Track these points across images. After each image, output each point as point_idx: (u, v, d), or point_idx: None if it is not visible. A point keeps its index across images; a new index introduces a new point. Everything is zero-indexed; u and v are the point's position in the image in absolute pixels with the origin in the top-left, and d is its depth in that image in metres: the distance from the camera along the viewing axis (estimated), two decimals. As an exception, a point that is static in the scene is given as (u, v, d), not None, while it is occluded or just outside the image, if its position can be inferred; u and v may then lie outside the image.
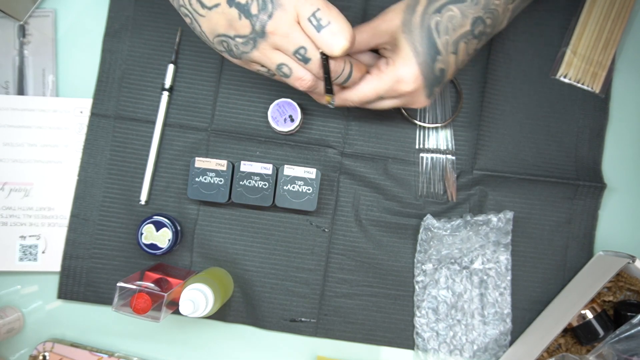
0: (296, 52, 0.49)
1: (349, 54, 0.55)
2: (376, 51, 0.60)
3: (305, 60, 0.50)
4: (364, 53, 0.59)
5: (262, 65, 0.52)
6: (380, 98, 0.57)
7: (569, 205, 0.70)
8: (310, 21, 0.47)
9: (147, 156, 0.69)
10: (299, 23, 0.48)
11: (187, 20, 0.52)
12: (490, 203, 0.70)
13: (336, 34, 0.48)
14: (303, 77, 0.52)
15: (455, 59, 0.55)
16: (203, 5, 0.49)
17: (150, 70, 0.70)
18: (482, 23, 0.54)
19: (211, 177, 0.66)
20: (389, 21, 0.55)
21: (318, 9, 0.47)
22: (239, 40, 0.49)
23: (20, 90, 0.70)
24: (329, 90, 0.54)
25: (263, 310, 0.69)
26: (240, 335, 0.70)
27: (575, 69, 0.71)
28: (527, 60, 0.71)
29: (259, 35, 0.48)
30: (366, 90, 0.56)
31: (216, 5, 0.48)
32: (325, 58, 0.50)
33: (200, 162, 0.66)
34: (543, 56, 0.71)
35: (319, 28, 0.47)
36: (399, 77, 0.54)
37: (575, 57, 0.71)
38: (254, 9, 0.47)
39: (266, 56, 0.50)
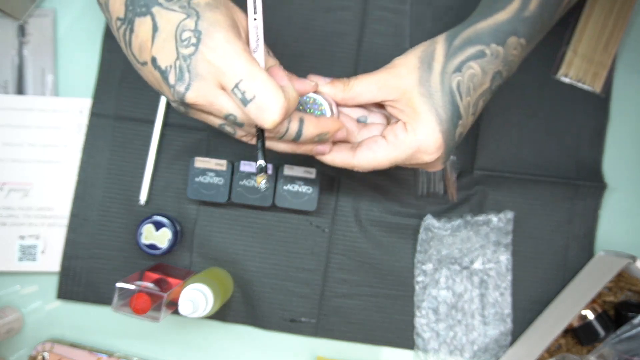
0: (227, 117, 0.44)
1: (342, 105, 0.52)
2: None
3: (239, 125, 0.45)
4: (370, 110, 0.55)
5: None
6: (394, 165, 0.51)
7: (570, 205, 0.70)
8: (235, 93, 0.42)
9: (147, 156, 0.69)
10: (224, 89, 0.43)
11: None
12: (491, 203, 0.70)
13: (264, 109, 0.42)
14: (246, 135, 0.48)
15: (474, 118, 0.51)
16: (136, 60, 0.45)
17: (150, 70, 0.70)
18: (500, 77, 0.51)
19: (211, 177, 0.66)
20: (401, 78, 0.49)
21: (240, 80, 0.41)
22: (171, 101, 0.45)
23: (20, 90, 0.70)
24: (262, 169, 0.45)
25: (263, 310, 0.69)
26: (240, 335, 0.70)
27: (576, 68, 0.71)
28: (527, 60, 0.71)
29: (182, 105, 0.44)
30: (381, 158, 0.50)
31: (145, 64, 0.44)
32: (260, 131, 0.45)
33: (200, 162, 0.66)
34: (544, 56, 0.71)
35: (244, 102, 0.42)
36: (420, 147, 0.49)
37: (576, 56, 0.71)
38: (171, 79, 0.42)
39: (202, 119, 0.46)
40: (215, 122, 0.46)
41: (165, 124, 0.69)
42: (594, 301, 0.67)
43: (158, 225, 0.66)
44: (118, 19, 0.45)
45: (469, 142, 0.70)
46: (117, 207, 0.69)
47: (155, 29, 0.42)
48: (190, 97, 0.42)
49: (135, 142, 0.70)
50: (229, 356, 0.70)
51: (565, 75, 0.71)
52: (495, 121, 0.70)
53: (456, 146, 0.52)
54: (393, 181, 0.70)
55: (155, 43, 0.42)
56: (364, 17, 0.70)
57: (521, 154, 0.70)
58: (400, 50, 0.70)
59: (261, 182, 0.46)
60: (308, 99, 0.52)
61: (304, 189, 0.66)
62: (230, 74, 0.41)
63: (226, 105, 0.43)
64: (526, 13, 0.50)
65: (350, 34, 0.70)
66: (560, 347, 0.69)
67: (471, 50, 0.49)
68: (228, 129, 0.47)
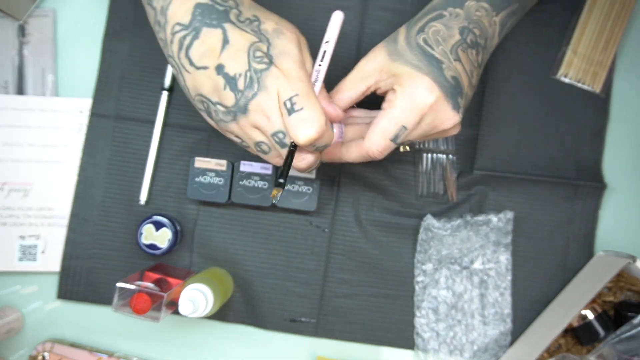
0: (274, 134, 0.47)
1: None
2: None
3: (282, 145, 0.48)
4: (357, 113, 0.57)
5: (237, 137, 0.50)
6: (404, 129, 0.50)
7: (569, 205, 0.70)
8: (285, 104, 0.46)
9: (147, 156, 0.69)
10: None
11: (174, 70, 0.50)
12: (491, 203, 0.70)
13: (305, 121, 0.45)
14: (277, 157, 0.50)
15: (462, 67, 0.51)
16: (191, 63, 0.47)
17: (150, 70, 0.70)
18: (471, 32, 0.51)
19: (211, 177, 0.66)
20: (373, 59, 0.52)
21: (297, 94, 0.45)
22: (220, 108, 0.48)
23: (20, 90, 0.70)
24: (280, 184, 0.49)
25: (263, 310, 0.69)
26: (240, 335, 0.70)
27: (575, 68, 0.71)
28: (527, 60, 0.71)
29: (240, 110, 0.47)
30: (385, 125, 0.50)
31: (204, 68, 0.47)
32: (293, 148, 0.48)
33: (200, 162, 0.66)
34: (543, 56, 0.71)
35: (290, 111, 0.45)
36: (414, 93, 0.49)
37: (576, 56, 0.71)
38: (240, 84, 0.46)
39: (244, 132, 0.49)
40: (254, 138, 0.49)
41: (165, 124, 0.70)
42: (593, 301, 0.67)
43: (158, 225, 0.66)
44: (178, 24, 0.47)
45: (469, 142, 0.70)
46: (117, 207, 0.69)
47: (225, 41, 0.46)
48: (254, 105, 0.46)
49: (136, 142, 0.70)
50: (229, 356, 0.70)
51: (565, 76, 0.71)
52: (495, 121, 0.70)
53: (460, 91, 0.50)
54: (393, 181, 0.70)
55: (225, 52, 0.46)
56: (364, 17, 0.70)
57: (521, 154, 0.70)
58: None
59: (276, 194, 0.49)
60: None
61: (304, 189, 0.66)
62: (289, 90, 0.45)
63: (280, 121, 0.47)
64: None
65: (350, 34, 0.70)
66: (560, 347, 0.69)
67: (429, 16, 0.52)
68: (264, 147, 0.50)
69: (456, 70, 0.50)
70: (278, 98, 0.46)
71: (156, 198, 0.70)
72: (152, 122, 0.69)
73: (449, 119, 0.51)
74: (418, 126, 0.50)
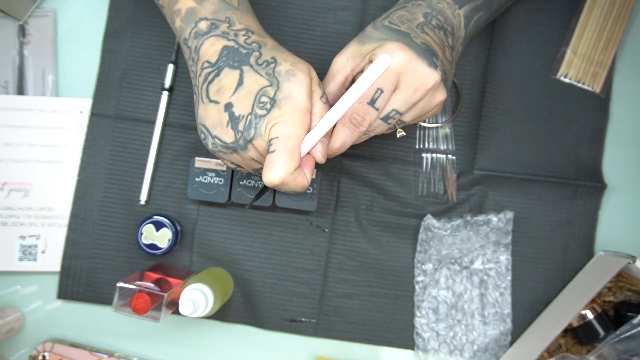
0: (248, 163, 0.52)
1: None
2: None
3: (255, 171, 0.53)
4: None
5: (233, 163, 0.53)
6: (379, 91, 0.49)
7: (569, 205, 0.70)
8: (269, 145, 0.49)
9: (147, 156, 0.69)
10: None
11: (195, 98, 0.53)
12: (491, 203, 0.70)
13: (272, 165, 0.48)
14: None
15: (431, 38, 0.51)
16: (207, 95, 0.51)
17: (150, 70, 0.70)
18: (434, 17, 0.54)
19: (211, 177, 0.66)
20: (344, 51, 0.54)
21: (276, 137, 0.48)
22: (219, 142, 0.51)
23: (20, 90, 0.70)
24: (245, 205, 0.54)
25: (263, 310, 0.69)
26: (240, 335, 0.70)
27: (575, 68, 0.71)
28: (527, 60, 0.71)
29: (241, 147, 0.50)
30: (359, 86, 0.49)
31: (216, 102, 0.50)
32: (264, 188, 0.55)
33: (200, 162, 0.66)
34: (543, 56, 0.71)
35: (269, 151, 0.48)
36: (383, 56, 0.49)
37: (576, 56, 0.71)
38: (241, 126, 0.49)
39: (245, 161, 0.52)
40: (253, 166, 0.53)
41: (165, 124, 0.70)
42: (593, 301, 0.67)
43: (158, 225, 0.66)
44: (207, 61, 0.51)
45: (469, 142, 0.70)
46: (118, 207, 0.69)
47: (240, 82, 0.50)
48: (253, 145, 0.49)
49: (136, 142, 0.70)
50: (229, 356, 0.70)
51: (565, 76, 0.71)
52: (495, 121, 0.70)
53: (432, 54, 0.50)
54: (393, 181, 0.70)
55: (237, 93, 0.49)
56: (364, 17, 0.70)
57: (521, 154, 0.70)
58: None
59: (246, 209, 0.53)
60: None
61: (304, 189, 0.66)
62: (274, 132, 0.48)
63: (256, 160, 0.51)
64: None
65: (350, 34, 0.70)
66: (560, 347, 0.69)
67: (394, 9, 0.55)
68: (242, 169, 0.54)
69: (425, 40, 0.51)
70: (266, 142, 0.49)
71: (156, 198, 0.70)
72: (152, 122, 0.69)
73: (427, 75, 0.50)
74: (399, 92, 0.50)
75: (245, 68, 0.50)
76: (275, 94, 0.49)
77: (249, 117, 0.49)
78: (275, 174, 0.48)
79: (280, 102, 0.48)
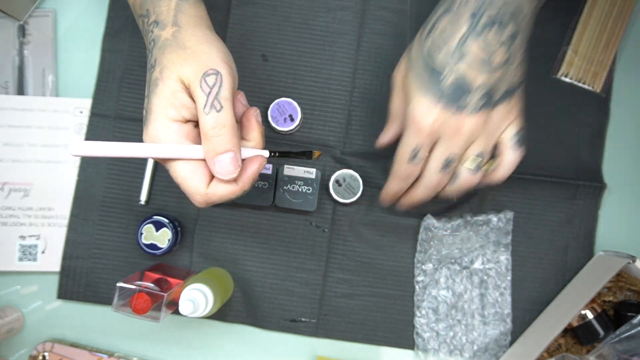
0: None
1: None
2: None
3: None
4: None
5: None
6: (416, 150, 0.53)
7: (569, 205, 0.70)
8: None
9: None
10: None
11: None
12: (491, 203, 0.70)
13: (184, 189, 0.48)
14: None
15: (470, 61, 0.50)
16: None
17: (150, 70, 0.70)
18: (483, 15, 0.49)
19: (211, 177, 0.66)
20: (395, 81, 0.56)
21: (168, 169, 0.48)
22: None
23: (20, 90, 0.70)
24: (307, 154, 0.53)
25: (263, 310, 0.69)
26: (240, 335, 0.70)
27: (576, 68, 0.71)
28: (527, 59, 0.71)
29: None
30: (401, 150, 0.54)
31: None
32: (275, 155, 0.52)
33: (200, 162, 0.66)
34: (544, 55, 0.71)
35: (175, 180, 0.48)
36: (411, 113, 0.52)
37: (576, 56, 0.71)
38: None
39: None
40: None
41: (165, 124, 0.69)
42: (593, 301, 0.67)
43: (158, 225, 0.66)
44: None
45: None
46: (117, 207, 0.69)
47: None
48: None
49: (136, 142, 0.69)
50: (229, 356, 0.70)
51: (566, 75, 0.71)
52: (495, 121, 0.70)
53: (465, 91, 0.50)
54: (393, 181, 0.70)
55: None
56: (364, 16, 0.70)
57: (521, 153, 0.70)
58: (400, 50, 0.71)
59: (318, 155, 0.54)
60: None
61: (304, 189, 0.66)
62: (160, 160, 0.47)
63: None
64: None
65: (350, 33, 0.70)
66: (560, 346, 0.69)
67: (439, 12, 0.51)
68: None
69: (459, 72, 0.50)
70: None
71: (156, 198, 0.70)
72: (152, 122, 0.69)
73: (456, 121, 0.51)
74: (441, 143, 0.52)
75: (148, 71, 0.49)
76: (145, 108, 0.48)
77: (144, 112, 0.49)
78: (193, 201, 0.47)
79: (146, 120, 0.47)
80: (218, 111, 0.44)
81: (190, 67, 0.45)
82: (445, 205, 0.70)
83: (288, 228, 0.70)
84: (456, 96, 0.50)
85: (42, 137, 0.69)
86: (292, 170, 0.66)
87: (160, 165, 0.69)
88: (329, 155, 0.70)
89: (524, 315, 0.70)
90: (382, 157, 0.70)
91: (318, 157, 0.52)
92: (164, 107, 0.46)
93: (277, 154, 0.51)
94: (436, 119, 0.51)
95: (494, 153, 0.56)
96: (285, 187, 0.66)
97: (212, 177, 0.47)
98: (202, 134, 0.45)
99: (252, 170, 0.48)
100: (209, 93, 0.44)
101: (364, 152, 0.70)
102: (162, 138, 0.46)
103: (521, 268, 0.70)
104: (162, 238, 0.66)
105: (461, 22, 0.50)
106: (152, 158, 0.46)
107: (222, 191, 0.47)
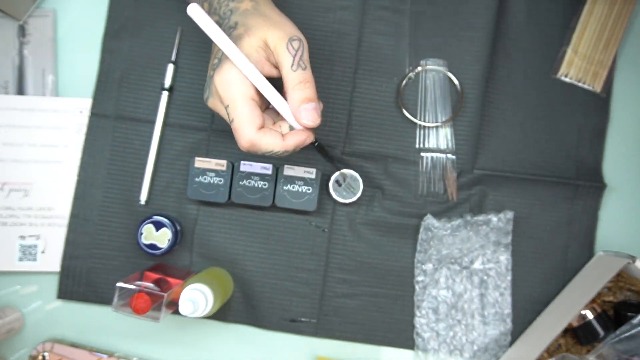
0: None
1: None
2: None
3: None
4: None
5: None
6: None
7: (570, 206, 0.70)
8: (227, 112, 0.50)
9: (147, 156, 0.69)
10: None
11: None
12: (491, 203, 0.70)
13: (236, 132, 0.50)
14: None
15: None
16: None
17: (150, 70, 0.70)
18: None
19: (211, 177, 0.66)
20: None
21: (227, 106, 0.50)
22: None
23: (20, 90, 0.70)
24: (338, 168, 0.59)
25: (263, 310, 0.69)
26: (240, 335, 0.70)
27: (576, 68, 0.71)
28: (528, 60, 0.71)
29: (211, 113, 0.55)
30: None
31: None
32: (315, 145, 0.56)
33: (200, 162, 0.66)
34: (544, 55, 0.71)
35: (230, 122, 0.50)
36: None
37: (576, 56, 0.71)
38: (205, 93, 0.53)
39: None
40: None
41: (165, 124, 0.70)
42: (593, 301, 0.67)
43: (158, 225, 0.66)
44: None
45: (469, 142, 0.70)
46: (117, 207, 0.69)
47: (212, 51, 0.54)
48: (212, 107, 0.52)
49: (136, 142, 0.70)
50: (229, 356, 0.70)
51: (566, 75, 0.71)
52: (495, 121, 0.70)
53: None
54: (393, 181, 0.70)
55: (210, 62, 0.53)
56: (364, 16, 0.70)
57: (521, 153, 0.70)
58: (400, 49, 0.71)
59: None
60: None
61: (304, 189, 0.66)
62: (223, 97, 0.50)
63: (224, 113, 0.51)
64: None
65: (350, 33, 0.70)
66: (560, 347, 0.69)
67: None
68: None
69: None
70: (219, 100, 0.51)
71: (156, 198, 0.70)
72: (152, 122, 0.69)
73: None
74: None
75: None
76: (222, 55, 0.50)
77: (207, 80, 0.52)
78: (240, 141, 0.50)
79: (220, 65, 0.50)
80: (303, 69, 0.50)
81: (276, 32, 0.50)
82: (445, 205, 0.70)
83: (288, 228, 0.70)
84: None
85: (42, 137, 0.69)
86: (292, 170, 0.66)
87: (160, 165, 0.69)
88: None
89: (524, 315, 0.70)
90: (382, 158, 0.70)
91: (337, 170, 0.59)
92: (247, 54, 0.50)
93: (316, 143, 0.56)
94: None
95: None
96: (285, 187, 0.66)
97: (262, 126, 0.50)
98: (288, 88, 0.50)
99: (298, 137, 0.52)
100: (295, 55, 0.49)
101: (364, 152, 0.70)
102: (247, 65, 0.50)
103: (521, 268, 0.70)
104: (162, 238, 0.66)
105: None
106: (238, 66, 0.49)
107: (268, 141, 0.50)
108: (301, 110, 0.50)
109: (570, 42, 0.71)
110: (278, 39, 0.50)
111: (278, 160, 0.69)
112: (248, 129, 0.49)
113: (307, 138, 0.52)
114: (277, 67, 0.51)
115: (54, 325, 0.69)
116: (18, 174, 0.68)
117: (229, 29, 0.52)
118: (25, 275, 0.70)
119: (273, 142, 0.50)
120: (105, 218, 0.69)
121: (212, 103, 0.52)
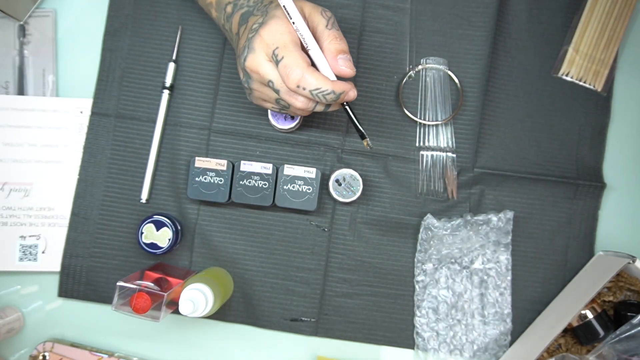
0: (267, 83, 0.55)
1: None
2: None
3: (276, 91, 0.55)
4: None
5: (264, 100, 0.59)
6: None
7: (570, 205, 0.70)
8: (272, 59, 0.54)
9: (148, 155, 0.69)
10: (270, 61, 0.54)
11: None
12: (491, 202, 0.70)
13: (287, 67, 0.53)
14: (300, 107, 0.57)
15: None
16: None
17: (151, 69, 0.70)
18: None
19: (211, 177, 0.66)
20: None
21: (277, 47, 0.53)
22: (244, 84, 0.59)
23: (21, 90, 0.70)
24: (362, 136, 0.59)
25: (263, 310, 0.69)
26: (240, 335, 0.70)
27: (577, 67, 0.71)
28: (529, 58, 0.71)
29: (247, 77, 0.57)
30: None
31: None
32: (345, 106, 0.58)
33: (200, 162, 0.66)
34: (545, 54, 0.71)
35: (277, 63, 0.53)
36: None
37: (578, 55, 0.70)
38: (241, 58, 0.56)
39: (260, 95, 0.58)
40: (270, 96, 0.57)
41: (166, 123, 0.70)
42: (593, 301, 0.67)
43: (159, 225, 0.66)
44: (236, 34, 0.59)
45: (469, 140, 0.70)
46: (118, 207, 0.69)
47: (245, 27, 0.57)
48: (247, 64, 0.55)
49: (136, 142, 0.70)
50: (229, 356, 0.70)
51: (567, 74, 0.71)
52: (496, 119, 0.70)
53: None
54: (393, 179, 0.70)
55: (241, 39, 0.57)
56: (364, 15, 0.70)
57: (522, 152, 0.70)
58: (400, 48, 0.71)
59: (367, 144, 0.60)
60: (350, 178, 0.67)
61: (304, 188, 0.66)
62: (271, 43, 0.53)
63: (268, 72, 0.54)
64: None
65: (351, 32, 0.70)
66: (560, 346, 0.69)
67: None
68: (282, 103, 0.57)
69: None
70: (265, 55, 0.54)
71: (157, 197, 0.70)
72: (152, 121, 0.69)
73: None
74: None
75: (250, 19, 0.57)
76: (263, 19, 0.55)
77: (245, 45, 0.55)
78: (290, 75, 0.52)
79: (265, 23, 0.54)
80: (337, 30, 0.56)
81: (310, 4, 0.57)
82: (445, 205, 0.70)
83: (288, 228, 0.70)
84: None
85: (42, 137, 0.69)
86: (292, 169, 0.66)
87: (161, 165, 0.69)
88: (329, 155, 0.70)
89: (524, 315, 0.70)
90: (382, 156, 0.70)
91: (366, 145, 0.60)
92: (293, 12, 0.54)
93: (346, 104, 0.59)
94: None
95: None
96: (285, 187, 0.66)
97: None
98: (325, 42, 0.55)
99: (345, 84, 0.55)
100: (329, 18, 0.56)
101: (364, 151, 0.70)
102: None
103: (521, 268, 0.70)
104: (162, 237, 0.66)
105: None
106: (291, 15, 0.54)
107: (318, 76, 0.53)
108: (338, 59, 0.55)
109: (571, 41, 0.71)
110: (312, 8, 0.56)
111: (279, 161, 0.69)
112: (300, 63, 0.52)
113: (351, 90, 0.55)
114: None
115: (54, 325, 0.70)
116: (18, 174, 0.69)
117: (270, 2, 0.57)
118: (25, 275, 0.70)
119: (323, 79, 0.53)
120: (105, 217, 0.69)
121: (251, 59, 0.54)
